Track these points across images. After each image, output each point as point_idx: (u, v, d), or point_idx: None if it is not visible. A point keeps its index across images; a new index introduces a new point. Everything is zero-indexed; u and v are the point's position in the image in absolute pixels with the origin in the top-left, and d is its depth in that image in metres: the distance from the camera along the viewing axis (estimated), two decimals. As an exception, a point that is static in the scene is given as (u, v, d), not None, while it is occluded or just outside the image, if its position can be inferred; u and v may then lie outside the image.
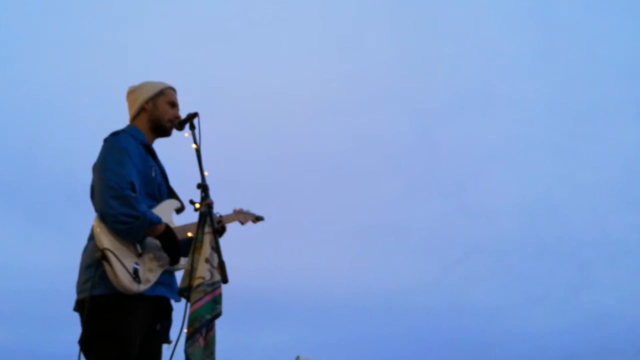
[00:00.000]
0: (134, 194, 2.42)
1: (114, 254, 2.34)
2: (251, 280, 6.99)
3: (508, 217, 10.58)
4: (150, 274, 2.45)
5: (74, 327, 2.51)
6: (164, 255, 2.54)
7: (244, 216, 3.00)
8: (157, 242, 2.53)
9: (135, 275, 2.38)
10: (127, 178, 2.43)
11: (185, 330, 2.32)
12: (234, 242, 2.90)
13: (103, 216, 2.42)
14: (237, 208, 3.02)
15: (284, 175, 10.25)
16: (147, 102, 2.77)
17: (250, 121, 10.47)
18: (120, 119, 2.85)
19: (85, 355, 2.39)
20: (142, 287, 2.41)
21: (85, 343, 2.36)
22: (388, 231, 10.42)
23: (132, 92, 2.83)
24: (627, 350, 8.26)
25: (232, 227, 2.92)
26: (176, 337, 2.46)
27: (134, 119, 2.79)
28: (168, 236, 2.50)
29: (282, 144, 10.61)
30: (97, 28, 10.23)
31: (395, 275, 9.69)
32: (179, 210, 2.75)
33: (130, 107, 2.82)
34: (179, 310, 2.45)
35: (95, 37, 10.19)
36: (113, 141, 2.59)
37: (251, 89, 10.42)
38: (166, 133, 2.81)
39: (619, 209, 10.26)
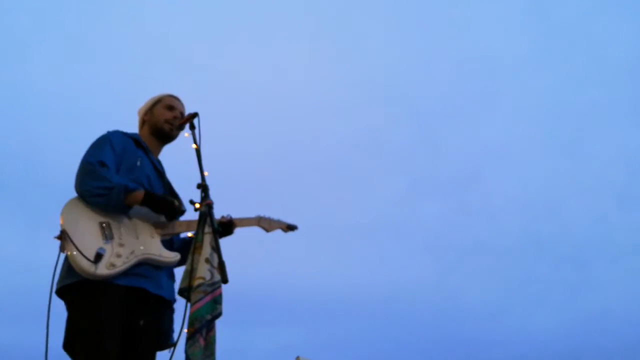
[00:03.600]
0: (104, 168, 2.50)
1: (71, 236, 2.39)
2: (251, 281, 7.00)
3: (508, 217, 10.61)
4: (117, 259, 2.41)
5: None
6: (141, 243, 2.51)
7: (269, 223, 2.95)
8: (134, 231, 2.52)
9: (97, 258, 2.36)
10: (99, 157, 2.53)
11: (185, 330, 2.32)
12: (234, 243, 2.91)
13: (81, 194, 2.50)
14: (261, 214, 2.96)
15: (284, 175, 10.27)
16: (146, 113, 2.89)
17: (251, 121, 10.49)
18: (121, 119, 2.88)
19: (71, 356, 2.37)
20: (105, 271, 2.37)
21: (66, 344, 2.37)
22: (388, 231, 10.44)
23: (138, 111, 2.95)
24: (627, 350, 8.27)
25: (247, 232, 2.88)
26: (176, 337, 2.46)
27: (140, 131, 2.90)
28: (150, 198, 2.52)
29: (283, 144, 10.63)
30: (98, 28, 10.25)
31: (395, 275, 9.70)
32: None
33: (138, 124, 2.94)
34: (180, 310, 2.44)
35: (96, 38, 10.22)
36: (101, 135, 2.70)
37: (252, 88, 10.44)
38: (167, 135, 2.85)
39: (619, 209, 10.29)
